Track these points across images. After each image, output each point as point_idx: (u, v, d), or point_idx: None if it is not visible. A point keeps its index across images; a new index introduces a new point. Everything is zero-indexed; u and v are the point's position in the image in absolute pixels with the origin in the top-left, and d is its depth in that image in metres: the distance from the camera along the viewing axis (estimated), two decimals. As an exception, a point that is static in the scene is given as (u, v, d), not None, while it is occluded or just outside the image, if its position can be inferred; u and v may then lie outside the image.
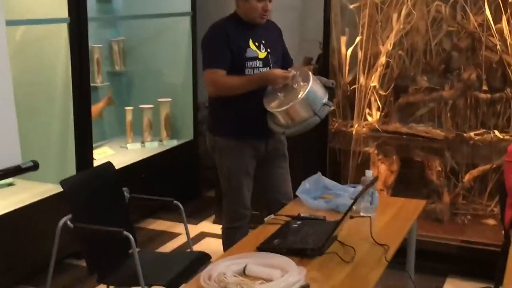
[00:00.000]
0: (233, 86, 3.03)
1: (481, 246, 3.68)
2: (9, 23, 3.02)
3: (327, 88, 3.03)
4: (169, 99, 4.84)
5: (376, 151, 4.12)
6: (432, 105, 4.06)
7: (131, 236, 2.59)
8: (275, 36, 3.26)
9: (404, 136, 4.03)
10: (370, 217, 2.52)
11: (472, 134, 3.93)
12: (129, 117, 4.76)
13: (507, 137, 3.88)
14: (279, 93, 2.98)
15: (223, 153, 3.17)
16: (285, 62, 3.24)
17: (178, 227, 4.36)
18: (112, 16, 4.85)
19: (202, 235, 4.32)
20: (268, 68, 3.11)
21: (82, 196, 2.75)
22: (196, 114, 4.94)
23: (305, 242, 2.33)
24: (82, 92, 3.74)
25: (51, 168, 3.75)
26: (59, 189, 3.62)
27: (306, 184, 2.92)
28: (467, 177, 3.93)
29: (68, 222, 2.66)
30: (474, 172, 3.93)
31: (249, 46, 3.09)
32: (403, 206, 2.84)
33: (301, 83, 2.94)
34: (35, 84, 3.74)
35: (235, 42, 3.06)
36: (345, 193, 2.87)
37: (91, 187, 2.81)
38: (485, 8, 3.75)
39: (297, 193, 2.90)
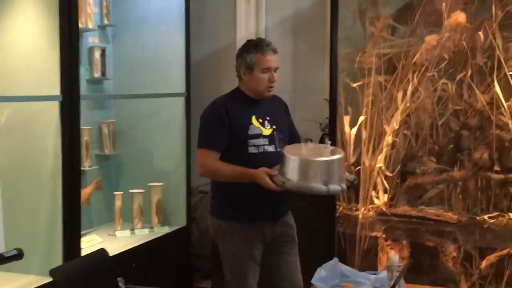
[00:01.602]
0: (221, 174, 2.87)
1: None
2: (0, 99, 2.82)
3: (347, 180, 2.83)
4: (161, 184, 4.60)
5: (384, 236, 3.88)
6: (441, 186, 3.87)
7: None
8: (281, 111, 3.09)
9: (414, 220, 3.82)
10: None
11: (486, 217, 3.72)
12: (118, 202, 4.48)
13: (523, 220, 3.69)
14: (304, 148, 2.77)
15: (227, 238, 2.92)
16: (292, 138, 3.07)
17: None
18: (104, 95, 4.67)
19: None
20: (274, 146, 2.93)
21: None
22: (189, 199, 4.69)
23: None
24: (72, 176, 3.49)
25: (35, 257, 3.43)
26: (43, 281, 3.39)
27: (322, 272, 2.67)
28: (484, 264, 3.69)
29: (59, 318, 2.35)
30: (491, 258, 3.70)
31: (251, 123, 2.92)
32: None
33: (330, 152, 2.75)
34: (23, 166, 3.49)
35: (237, 119, 2.89)
36: (365, 280, 2.62)
37: (83, 277, 2.52)
38: (494, 86, 3.64)
39: (313, 281, 2.64)
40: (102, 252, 2.72)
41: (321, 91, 4.67)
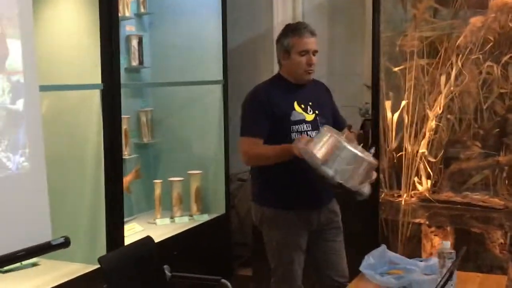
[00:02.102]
0: (264, 157, 2.82)
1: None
2: (43, 88, 2.82)
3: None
4: (199, 171, 4.59)
5: (427, 222, 3.82)
6: (486, 172, 3.79)
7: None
8: (324, 96, 3.04)
9: (458, 206, 3.74)
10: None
11: (533, 202, 3.64)
12: (157, 190, 4.49)
13: None
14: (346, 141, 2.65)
15: (271, 225, 2.89)
16: (336, 123, 3.00)
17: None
18: (143, 83, 4.67)
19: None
20: (317, 131, 2.88)
21: (121, 275, 2.45)
22: (228, 186, 4.67)
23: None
24: (114, 165, 3.50)
25: (80, 246, 3.45)
26: (88, 269, 3.41)
27: (370, 259, 2.61)
28: (531, 250, 3.61)
29: (108, 305, 2.35)
30: (539, 244, 3.62)
31: (294, 109, 2.87)
32: (483, 283, 2.52)
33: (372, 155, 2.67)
34: (66, 155, 3.50)
35: (279, 106, 2.86)
36: (415, 267, 2.56)
37: (130, 265, 2.52)
38: (542, 67, 3.54)
39: (361, 268, 2.59)
40: (148, 240, 2.71)
41: (360, 75, 4.61)
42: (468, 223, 3.71)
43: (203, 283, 2.87)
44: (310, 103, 2.92)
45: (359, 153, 2.58)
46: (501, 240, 3.63)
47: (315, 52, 2.89)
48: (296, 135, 2.82)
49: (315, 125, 2.88)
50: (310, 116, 2.90)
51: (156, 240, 3.95)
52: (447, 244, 2.41)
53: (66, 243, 2.82)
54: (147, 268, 2.61)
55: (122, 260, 2.51)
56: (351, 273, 2.97)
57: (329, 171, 2.52)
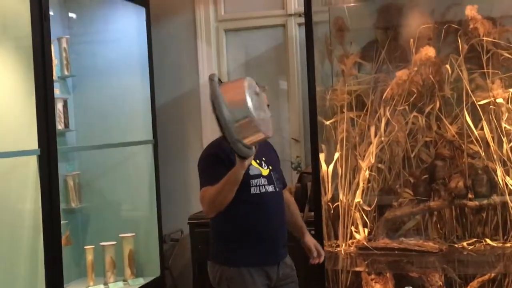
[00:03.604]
0: (219, 194, 2.76)
1: None
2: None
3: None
4: (132, 234, 4.48)
5: (367, 270, 3.90)
6: (418, 217, 3.95)
7: None
8: (272, 153, 3.11)
9: (396, 252, 3.85)
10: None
11: (464, 244, 3.81)
12: (89, 257, 4.33)
13: (500, 244, 3.79)
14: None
15: (232, 284, 2.86)
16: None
17: None
18: (71, 147, 4.55)
19: None
20: (273, 185, 2.92)
21: None
22: (162, 248, 4.59)
23: None
24: (52, 232, 3.37)
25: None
26: None
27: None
28: (468, 290, 3.77)
29: None
30: (474, 284, 3.77)
31: (251, 164, 2.87)
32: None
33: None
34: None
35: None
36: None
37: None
38: (463, 115, 3.77)
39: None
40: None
41: (285, 130, 4.73)
42: (406, 268, 3.82)
43: None
44: (264, 159, 2.96)
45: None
46: (440, 283, 3.77)
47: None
48: (256, 189, 2.84)
49: (270, 180, 2.91)
50: (265, 171, 2.93)
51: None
52: (409, 290, 2.48)
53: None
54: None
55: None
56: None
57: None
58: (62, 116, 4.38)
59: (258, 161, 2.90)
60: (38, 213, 3.33)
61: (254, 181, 2.86)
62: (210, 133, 4.50)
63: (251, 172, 2.86)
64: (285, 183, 3.19)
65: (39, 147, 3.29)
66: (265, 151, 2.99)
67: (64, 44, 4.41)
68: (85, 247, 4.36)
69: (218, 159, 2.85)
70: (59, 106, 4.35)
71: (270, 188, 2.88)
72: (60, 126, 4.34)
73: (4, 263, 3.36)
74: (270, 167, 2.95)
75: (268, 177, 2.91)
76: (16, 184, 3.36)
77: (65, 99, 4.42)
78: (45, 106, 3.33)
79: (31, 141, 3.30)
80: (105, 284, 4.33)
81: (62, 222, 4.23)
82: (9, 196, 3.38)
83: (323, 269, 3.73)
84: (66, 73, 4.47)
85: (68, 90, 4.61)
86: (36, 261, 3.36)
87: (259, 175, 2.88)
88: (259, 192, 2.86)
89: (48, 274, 3.36)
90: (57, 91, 4.45)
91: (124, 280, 4.41)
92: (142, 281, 4.44)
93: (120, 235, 4.44)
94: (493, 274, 3.76)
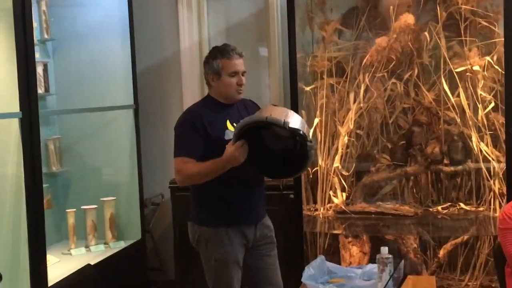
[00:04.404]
0: (199, 174, 2.85)
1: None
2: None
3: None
4: (113, 198, 4.52)
5: (344, 233, 4.00)
6: (395, 182, 4.04)
7: None
8: (253, 113, 3.10)
9: (372, 216, 3.95)
10: (400, 296, 2.35)
11: (439, 208, 3.91)
12: (71, 220, 4.37)
13: (473, 208, 3.90)
14: None
15: (210, 244, 2.93)
16: None
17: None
18: (51, 111, 4.55)
19: None
20: None
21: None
22: (142, 211, 4.64)
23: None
24: (35, 196, 3.40)
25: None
26: None
27: (310, 270, 2.73)
28: (441, 252, 3.88)
29: None
30: (447, 246, 3.89)
31: (227, 128, 2.95)
32: (416, 284, 2.69)
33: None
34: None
35: (212, 126, 2.91)
36: (354, 275, 2.71)
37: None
38: (441, 83, 3.83)
39: (303, 280, 2.70)
40: (88, 268, 2.66)
41: (265, 96, 4.75)
42: (382, 231, 3.92)
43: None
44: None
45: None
46: (414, 245, 3.88)
47: (243, 72, 2.98)
48: None
49: None
50: None
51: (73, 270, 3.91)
52: (385, 249, 2.57)
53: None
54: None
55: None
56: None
57: (279, 118, 2.65)
58: (42, 80, 4.37)
59: (234, 124, 2.93)
60: (20, 176, 3.34)
61: None
62: (191, 98, 4.53)
63: (227, 137, 2.90)
64: None
65: (20, 110, 3.29)
66: (243, 113, 3.01)
67: (44, 7, 4.38)
68: (67, 210, 4.40)
69: (194, 128, 2.88)
70: (39, 70, 4.32)
71: None
72: (40, 90, 4.32)
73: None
74: None
75: None
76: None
77: (45, 63, 4.41)
78: (26, 69, 3.32)
79: (13, 105, 3.29)
80: (87, 247, 4.39)
81: (43, 185, 4.29)
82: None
83: (301, 232, 3.81)
84: (46, 36, 4.45)
85: (48, 54, 4.59)
86: (19, 225, 3.38)
87: None
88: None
89: (31, 237, 3.38)
90: (37, 55, 4.42)
91: (105, 243, 4.47)
92: (123, 244, 4.50)
93: (101, 199, 4.48)
94: (466, 237, 3.88)
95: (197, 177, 2.87)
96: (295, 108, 3.74)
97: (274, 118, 2.68)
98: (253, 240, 2.99)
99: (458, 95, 3.84)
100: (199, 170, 2.84)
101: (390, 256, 2.54)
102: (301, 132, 2.69)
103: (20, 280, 3.37)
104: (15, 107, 3.29)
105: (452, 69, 3.80)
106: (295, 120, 2.71)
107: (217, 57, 2.95)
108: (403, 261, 2.49)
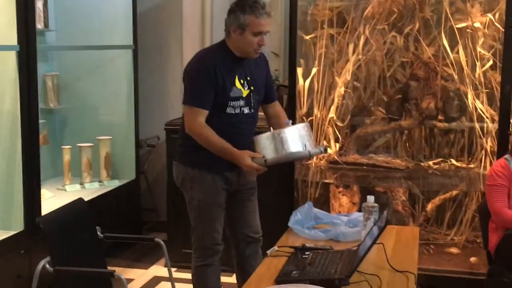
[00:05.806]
0: (209, 144, 2.84)
1: (451, 274, 3.67)
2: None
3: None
4: (109, 137, 4.56)
5: (335, 183, 4.05)
6: (389, 135, 4.07)
7: (123, 277, 2.33)
8: (261, 71, 3.05)
9: (364, 167, 3.99)
10: (382, 244, 2.40)
11: (430, 163, 3.95)
12: (66, 156, 4.42)
13: (464, 165, 3.94)
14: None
15: (195, 185, 2.96)
16: (267, 97, 3.09)
17: (129, 272, 4.05)
18: (50, 46, 4.54)
19: (156, 280, 4.03)
20: (249, 107, 2.94)
21: (59, 236, 2.46)
22: (137, 152, 4.68)
23: (328, 272, 2.18)
24: (30, 130, 3.43)
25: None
26: (4, 235, 3.35)
27: (297, 215, 2.78)
28: (429, 206, 3.94)
29: (47, 266, 2.36)
30: (436, 201, 3.95)
31: (235, 85, 2.89)
32: (400, 233, 2.75)
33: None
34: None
35: (222, 80, 2.85)
36: (340, 221, 2.76)
37: (68, 227, 2.52)
38: (441, 38, 3.82)
39: (290, 224, 2.75)
40: (80, 201, 2.72)
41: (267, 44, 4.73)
42: (373, 182, 3.97)
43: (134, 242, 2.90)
44: (248, 78, 2.94)
45: (296, 126, 2.83)
46: (403, 198, 3.93)
47: (267, 32, 2.89)
48: (231, 109, 2.88)
49: (248, 101, 2.92)
50: (245, 92, 2.92)
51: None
52: (371, 198, 2.61)
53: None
54: (82, 228, 2.62)
55: (60, 222, 2.50)
56: (268, 229, 3.12)
57: (303, 151, 2.74)
58: (42, 15, 4.35)
59: (242, 80, 2.91)
60: (17, 111, 3.36)
61: (232, 103, 2.88)
62: (191, 41, 4.52)
63: (232, 94, 2.88)
64: (275, 97, 3.20)
65: (18, 43, 3.29)
66: (253, 70, 2.97)
67: None
68: (62, 147, 4.44)
69: (209, 77, 2.82)
70: (39, 4, 4.30)
71: (246, 110, 2.92)
72: (39, 25, 4.31)
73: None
74: (252, 88, 2.94)
75: (247, 98, 2.92)
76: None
77: (45, -2, 4.38)
78: (25, 2, 3.30)
79: (11, 38, 3.29)
80: (81, 184, 4.45)
81: (40, 121, 4.32)
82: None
83: (292, 179, 3.86)
84: (47, -30, 4.41)
85: (48, -12, 4.55)
86: (14, 159, 3.42)
87: (239, 98, 2.89)
88: (234, 112, 2.88)
89: (26, 172, 3.43)
90: (37, -10, 4.42)
91: (99, 181, 4.53)
92: (117, 183, 4.56)
93: (97, 138, 4.52)
94: (454, 193, 3.93)
95: (205, 144, 2.85)
96: (293, 57, 3.74)
97: (313, 151, 2.78)
98: (237, 185, 3.03)
99: (457, 52, 3.84)
100: (214, 142, 2.82)
101: (376, 205, 2.58)
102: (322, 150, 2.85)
103: (13, 212, 3.43)
104: (13, 40, 3.28)
105: (453, 25, 3.78)
106: (310, 138, 2.80)
107: (245, 11, 2.82)
108: (386, 209, 2.53)
